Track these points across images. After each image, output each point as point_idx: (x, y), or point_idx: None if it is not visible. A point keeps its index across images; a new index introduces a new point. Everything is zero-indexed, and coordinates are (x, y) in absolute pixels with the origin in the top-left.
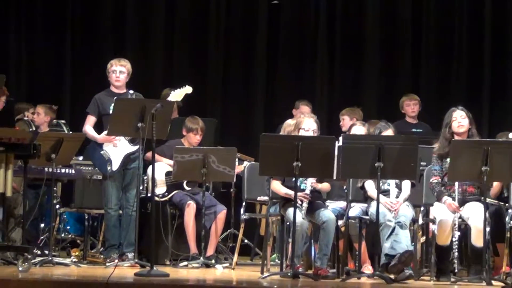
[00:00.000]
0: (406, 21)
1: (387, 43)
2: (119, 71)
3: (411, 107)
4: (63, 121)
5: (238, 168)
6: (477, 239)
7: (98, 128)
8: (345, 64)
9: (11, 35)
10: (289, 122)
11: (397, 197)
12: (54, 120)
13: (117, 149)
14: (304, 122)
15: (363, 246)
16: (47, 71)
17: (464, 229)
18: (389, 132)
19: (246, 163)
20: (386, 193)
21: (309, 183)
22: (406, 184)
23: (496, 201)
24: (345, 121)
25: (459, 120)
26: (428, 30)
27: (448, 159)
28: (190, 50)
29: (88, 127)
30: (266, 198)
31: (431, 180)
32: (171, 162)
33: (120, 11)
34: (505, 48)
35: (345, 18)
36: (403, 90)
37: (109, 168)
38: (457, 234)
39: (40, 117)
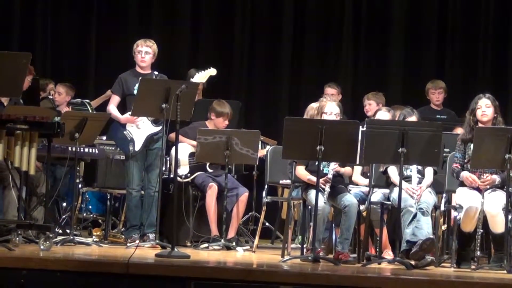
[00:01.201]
0: (432, 4)
1: (412, 27)
2: (145, 51)
3: (436, 95)
4: (87, 100)
5: (261, 152)
6: (493, 226)
7: (122, 108)
8: (370, 48)
9: (38, 11)
10: (312, 105)
11: (419, 183)
12: (79, 99)
13: (140, 129)
14: (327, 106)
15: (384, 231)
16: (72, 49)
17: (485, 216)
18: (413, 118)
19: (268, 147)
20: (408, 179)
21: (331, 167)
22: (429, 171)
23: None
24: (372, 106)
25: (484, 109)
26: (454, 14)
27: (471, 145)
28: (216, 31)
29: (112, 107)
30: (288, 181)
31: (452, 167)
32: (195, 143)
33: None
34: None
35: (371, 1)
36: (428, 75)
37: (131, 148)
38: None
39: (61, 96)
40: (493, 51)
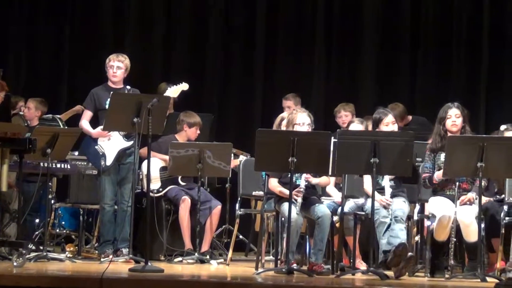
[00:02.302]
0: (405, 13)
1: (385, 35)
2: (117, 66)
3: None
4: (58, 116)
5: (234, 163)
6: (467, 235)
7: (94, 123)
8: (342, 59)
9: (12, 27)
10: (283, 115)
11: (392, 196)
12: (50, 115)
13: (111, 144)
14: (298, 117)
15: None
16: (45, 65)
17: (459, 225)
18: (389, 117)
19: (241, 157)
20: (381, 190)
21: (303, 178)
22: None
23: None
24: (348, 117)
25: (454, 119)
26: (427, 21)
27: (442, 155)
28: (188, 44)
29: (84, 122)
30: (261, 193)
31: (423, 176)
32: (165, 157)
33: (119, 4)
34: (504, 39)
35: (343, 13)
36: (401, 85)
37: (103, 163)
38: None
39: (30, 111)
40: (465, 59)
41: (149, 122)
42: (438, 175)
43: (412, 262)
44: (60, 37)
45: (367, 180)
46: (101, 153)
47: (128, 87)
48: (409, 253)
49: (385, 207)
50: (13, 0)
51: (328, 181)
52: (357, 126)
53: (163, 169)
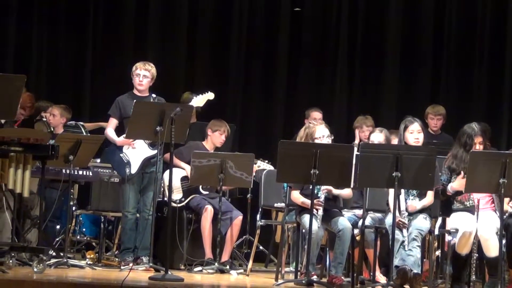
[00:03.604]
0: (427, 31)
1: (407, 53)
2: (143, 75)
3: (434, 121)
4: (81, 123)
5: (255, 168)
6: (487, 250)
7: (119, 130)
8: (365, 72)
9: (34, 31)
10: (301, 132)
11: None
12: (73, 122)
13: (136, 152)
14: (317, 131)
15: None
16: (67, 71)
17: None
18: (414, 125)
19: (259, 163)
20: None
21: (322, 189)
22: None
23: None
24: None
25: (477, 146)
26: (449, 40)
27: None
28: (212, 54)
29: (110, 130)
30: (282, 205)
31: (436, 187)
32: (186, 166)
33: (143, 12)
34: None
35: (366, 28)
36: (423, 99)
37: (127, 171)
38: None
39: (55, 118)
40: (488, 77)
41: (172, 131)
42: (452, 187)
43: (418, 280)
44: (82, 44)
45: (392, 194)
46: (126, 161)
47: (154, 95)
48: (413, 272)
49: (400, 227)
50: (34, 6)
51: (350, 194)
52: (378, 135)
53: (184, 178)
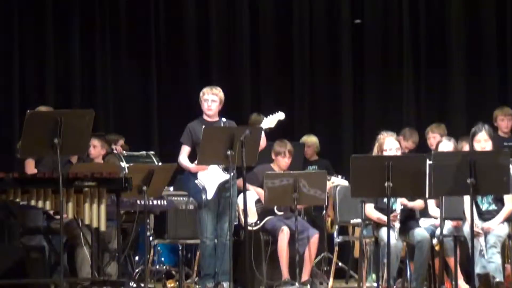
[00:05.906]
0: (490, 32)
1: (472, 58)
2: (211, 99)
3: (504, 122)
4: (152, 152)
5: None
6: None
7: (192, 157)
8: (431, 80)
9: (97, 67)
10: (375, 150)
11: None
12: (144, 152)
13: (212, 177)
14: (386, 143)
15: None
16: (134, 101)
17: None
18: (481, 134)
19: (333, 179)
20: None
21: (398, 203)
22: (508, 198)
23: None
24: (436, 138)
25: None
26: None
27: None
28: (276, 72)
29: (183, 157)
30: (359, 220)
31: None
32: (259, 190)
33: (204, 36)
34: None
35: (429, 36)
36: (491, 102)
37: (204, 196)
38: None
39: (96, 149)
40: None
41: (242, 155)
42: None
43: (501, 287)
44: (147, 73)
45: (467, 201)
46: (201, 187)
47: (224, 119)
48: (496, 280)
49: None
50: (96, 36)
51: (422, 205)
52: (446, 144)
53: (258, 201)
